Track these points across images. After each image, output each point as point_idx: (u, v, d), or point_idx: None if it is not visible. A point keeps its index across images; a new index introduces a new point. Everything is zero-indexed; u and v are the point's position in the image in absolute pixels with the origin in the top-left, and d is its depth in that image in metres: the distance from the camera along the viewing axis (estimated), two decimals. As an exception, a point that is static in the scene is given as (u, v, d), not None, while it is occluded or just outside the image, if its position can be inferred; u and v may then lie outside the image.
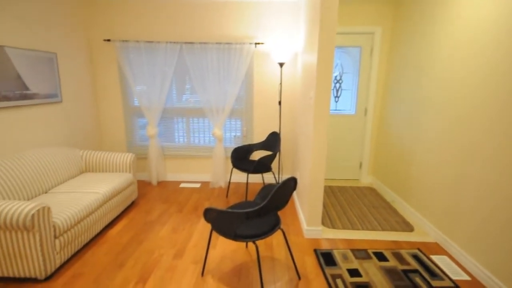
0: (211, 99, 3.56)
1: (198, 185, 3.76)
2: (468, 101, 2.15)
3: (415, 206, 2.85)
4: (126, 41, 3.44)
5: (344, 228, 2.66)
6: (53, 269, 1.92)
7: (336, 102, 3.79)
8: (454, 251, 2.25)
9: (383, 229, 2.64)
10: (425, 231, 2.63)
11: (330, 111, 3.74)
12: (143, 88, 3.58)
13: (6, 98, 2.39)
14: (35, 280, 1.91)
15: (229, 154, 3.83)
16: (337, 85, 3.74)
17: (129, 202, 2.98)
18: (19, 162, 2.30)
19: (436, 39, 2.55)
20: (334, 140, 3.88)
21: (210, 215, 1.76)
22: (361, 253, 2.26)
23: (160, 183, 3.82)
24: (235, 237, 1.73)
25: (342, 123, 3.82)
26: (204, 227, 2.67)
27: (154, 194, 3.44)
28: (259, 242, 2.42)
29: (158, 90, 3.55)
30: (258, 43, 3.44)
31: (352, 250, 2.31)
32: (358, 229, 2.63)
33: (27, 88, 2.61)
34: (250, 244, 2.39)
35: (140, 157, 3.89)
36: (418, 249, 2.34)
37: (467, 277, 2.02)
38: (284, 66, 3.55)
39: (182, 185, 3.76)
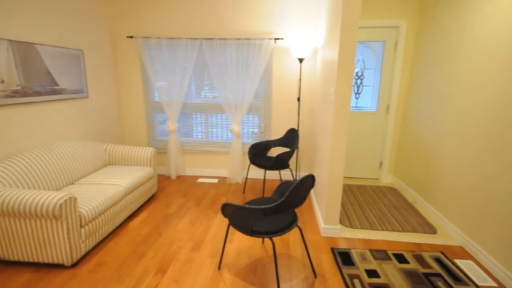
0: (230, 95, 3.58)
1: (215, 180, 3.80)
2: (498, 98, 2.03)
3: (438, 207, 2.74)
4: (148, 37, 3.52)
5: (362, 228, 2.60)
6: (78, 257, 2.02)
7: (357, 98, 3.69)
8: (480, 255, 2.14)
9: (404, 230, 2.56)
10: (449, 233, 2.53)
11: (351, 108, 3.66)
12: (163, 84, 3.66)
13: (38, 93, 2.52)
14: (62, 266, 2.02)
15: (247, 150, 3.84)
16: (358, 81, 3.64)
17: (149, 195, 3.07)
18: (49, 154, 2.43)
19: (466, 34, 2.42)
20: (353, 138, 3.79)
21: (227, 210, 1.78)
22: (380, 254, 2.21)
23: (179, 178, 3.90)
24: (252, 233, 1.74)
25: (362, 121, 3.72)
26: (221, 221, 2.70)
27: (173, 188, 3.52)
28: (276, 239, 2.42)
29: (178, 86, 3.61)
30: (278, 39, 3.41)
31: (371, 251, 2.25)
32: (377, 230, 2.57)
33: (56, 84, 2.73)
34: (267, 240, 2.40)
35: (160, 151, 3.99)
36: (441, 252, 2.25)
37: (493, 283, 1.92)
38: (303, 62, 3.50)
39: (200, 180, 3.82)
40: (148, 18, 3.57)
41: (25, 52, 2.38)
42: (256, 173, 3.94)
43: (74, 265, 2.04)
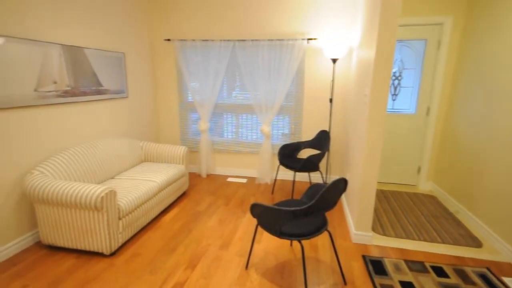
0: (261, 96, 3.59)
1: (244, 180, 3.84)
2: None
3: (484, 219, 2.51)
4: (184, 40, 3.66)
5: (397, 236, 2.47)
6: (116, 247, 2.15)
7: (394, 100, 3.52)
8: (535, 276, 1.93)
9: (444, 242, 2.38)
10: (496, 248, 2.31)
11: (387, 110, 3.50)
12: (196, 84, 3.77)
13: (84, 93, 2.73)
14: (101, 255, 2.16)
15: (277, 151, 3.83)
16: (396, 82, 3.46)
17: (180, 192, 3.18)
18: (92, 150, 2.62)
19: (523, 28, 2.19)
20: (389, 141, 3.61)
21: (256, 210, 1.78)
22: (416, 266, 2.08)
23: (209, 176, 4.00)
24: (280, 234, 1.72)
25: (399, 123, 3.53)
26: (249, 221, 2.72)
27: (203, 186, 3.61)
28: (304, 242, 2.38)
29: (210, 87, 3.70)
30: (311, 39, 3.35)
31: (406, 261, 2.13)
32: (414, 239, 2.42)
33: (100, 85, 2.94)
34: (295, 242, 2.37)
35: (191, 150, 4.12)
36: (487, 268, 2.06)
37: (551, 309, 1.72)
38: (337, 62, 3.41)
39: (229, 179, 3.88)
40: (184, 22, 3.70)
41: (74, 56, 2.59)
42: (286, 174, 3.91)
43: (112, 254, 2.17)
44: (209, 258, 2.15)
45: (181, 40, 3.66)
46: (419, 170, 3.60)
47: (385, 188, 3.59)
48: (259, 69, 3.54)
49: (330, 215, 2.87)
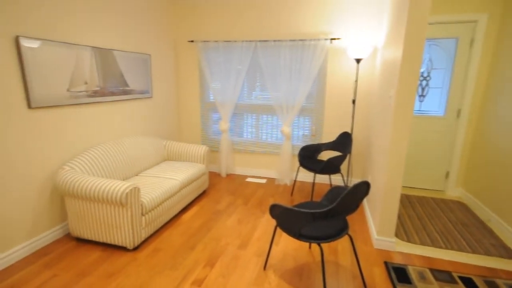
0: (281, 96, 3.57)
1: (263, 181, 3.84)
2: None
3: (520, 230, 2.34)
4: (206, 41, 3.72)
5: (422, 243, 2.36)
6: (139, 242, 2.22)
7: (421, 102, 3.37)
8: None
9: (474, 252, 2.25)
10: (533, 262, 2.14)
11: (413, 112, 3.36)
12: (218, 85, 3.82)
13: (112, 93, 2.85)
14: (125, 249, 2.24)
15: (297, 152, 3.79)
16: (423, 82, 3.32)
17: (200, 191, 3.23)
18: (118, 147, 2.73)
19: None
20: (415, 145, 3.47)
21: (276, 211, 1.77)
22: (443, 275, 1.98)
23: (228, 176, 4.03)
24: (299, 236, 1.70)
25: (426, 126, 3.38)
26: (268, 221, 2.71)
27: (222, 186, 3.65)
28: (324, 245, 2.34)
29: (232, 87, 3.74)
30: (334, 39, 3.29)
31: (432, 270, 2.03)
32: (441, 248, 2.30)
33: (127, 85, 3.06)
34: (314, 245, 2.33)
35: (212, 149, 4.18)
36: (523, 282, 1.92)
37: None
38: (361, 63, 3.32)
39: (248, 179, 3.90)
40: (207, 23, 3.76)
41: (104, 57, 2.71)
42: (305, 176, 3.87)
43: (135, 249, 2.25)
44: (227, 257, 2.17)
45: (204, 41, 3.73)
46: (447, 175, 3.43)
47: (410, 193, 3.44)
48: (281, 70, 3.52)
49: (350, 219, 2.80)
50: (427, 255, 2.22)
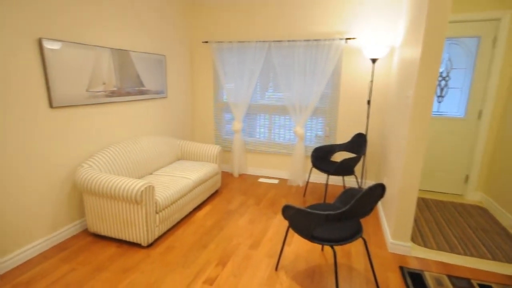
0: (295, 97, 3.55)
1: (276, 181, 3.83)
2: None
3: (546, 237, 2.23)
4: (220, 42, 3.75)
5: (439, 249, 2.29)
6: (153, 239, 2.26)
7: (439, 102, 3.27)
8: None
9: (494, 259, 2.16)
10: (560, 272, 2.04)
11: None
12: (232, 85, 3.84)
13: (128, 94, 2.92)
14: (139, 245, 2.29)
15: (310, 153, 3.76)
16: (442, 83, 3.22)
17: (213, 190, 3.26)
18: (134, 146, 2.79)
19: None
20: (433, 147, 3.37)
21: (288, 212, 1.76)
22: (461, 282, 1.91)
23: (240, 176, 4.05)
24: (312, 238, 1.69)
25: (444, 127, 3.28)
26: (279, 222, 2.70)
27: (235, 186, 3.67)
28: (336, 248, 2.31)
29: (245, 87, 3.75)
30: (349, 38, 3.24)
31: (449, 277, 1.96)
32: (459, 254, 2.23)
33: (143, 85, 3.12)
34: (327, 248, 2.30)
35: (224, 149, 4.20)
36: (548, 293, 1.83)
37: None
38: (377, 62, 3.26)
39: (260, 179, 3.90)
40: (222, 24, 3.79)
41: (121, 58, 2.78)
42: (318, 177, 3.83)
43: (149, 246, 2.29)
44: (239, 256, 2.18)
45: (218, 42, 3.76)
46: (466, 178, 3.31)
47: (427, 196, 3.35)
48: (294, 70, 3.50)
49: (364, 222, 2.75)
50: (445, 261, 2.15)
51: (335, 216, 1.58)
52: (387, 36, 3.17)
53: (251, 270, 2.02)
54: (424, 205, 3.08)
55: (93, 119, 2.55)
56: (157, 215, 2.27)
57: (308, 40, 3.36)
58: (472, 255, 2.21)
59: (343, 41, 3.24)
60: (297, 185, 3.70)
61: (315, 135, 3.72)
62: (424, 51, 1.93)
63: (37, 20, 2.05)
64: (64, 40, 2.23)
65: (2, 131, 1.91)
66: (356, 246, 2.34)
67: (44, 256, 2.14)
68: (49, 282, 1.88)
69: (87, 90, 2.44)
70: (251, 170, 4.12)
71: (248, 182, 3.80)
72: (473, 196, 3.27)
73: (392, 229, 2.27)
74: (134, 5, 2.93)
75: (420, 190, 3.52)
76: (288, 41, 3.46)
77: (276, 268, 2.04)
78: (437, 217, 2.81)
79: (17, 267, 2.02)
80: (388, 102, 3.21)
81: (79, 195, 2.50)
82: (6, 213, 1.98)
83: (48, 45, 2.10)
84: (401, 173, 2.17)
